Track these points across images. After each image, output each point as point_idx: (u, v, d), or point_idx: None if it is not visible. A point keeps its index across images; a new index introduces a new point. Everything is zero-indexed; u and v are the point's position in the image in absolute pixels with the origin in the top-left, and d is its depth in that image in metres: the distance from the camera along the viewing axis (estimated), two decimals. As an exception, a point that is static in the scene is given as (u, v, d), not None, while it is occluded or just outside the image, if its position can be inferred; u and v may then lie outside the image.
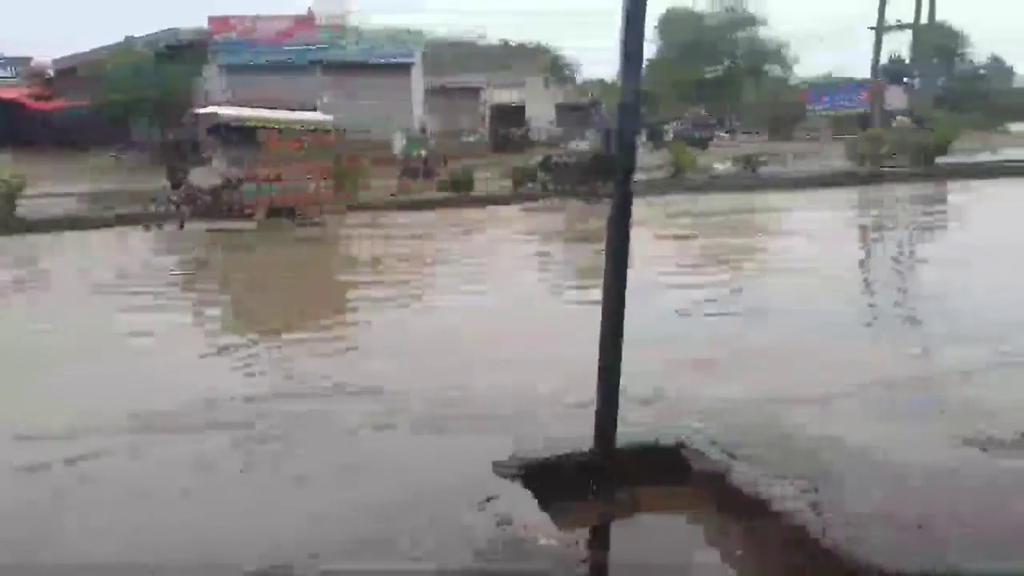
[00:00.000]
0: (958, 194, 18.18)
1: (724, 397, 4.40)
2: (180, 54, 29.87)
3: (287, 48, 30.18)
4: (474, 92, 35.61)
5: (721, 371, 5.08)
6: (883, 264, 10.44)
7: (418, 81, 32.40)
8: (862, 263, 10.40)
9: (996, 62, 70.58)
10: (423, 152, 22.01)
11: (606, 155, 17.54)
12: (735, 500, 3.23)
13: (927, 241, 12.30)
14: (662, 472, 3.53)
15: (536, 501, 3.17)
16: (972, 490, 3.17)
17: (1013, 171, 20.14)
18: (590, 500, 3.39)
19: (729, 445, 3.60)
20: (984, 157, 23.27)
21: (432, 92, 32.70)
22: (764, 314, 6.86)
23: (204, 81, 29.34)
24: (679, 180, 18.99)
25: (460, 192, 18.57)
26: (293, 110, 17.67)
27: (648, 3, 1.88)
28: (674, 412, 4.12)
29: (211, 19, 30.19)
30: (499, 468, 3.44)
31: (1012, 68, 70.82)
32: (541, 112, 37.94)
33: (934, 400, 4.42)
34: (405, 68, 31.98)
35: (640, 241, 10.88)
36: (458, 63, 36.18)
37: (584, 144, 19.69)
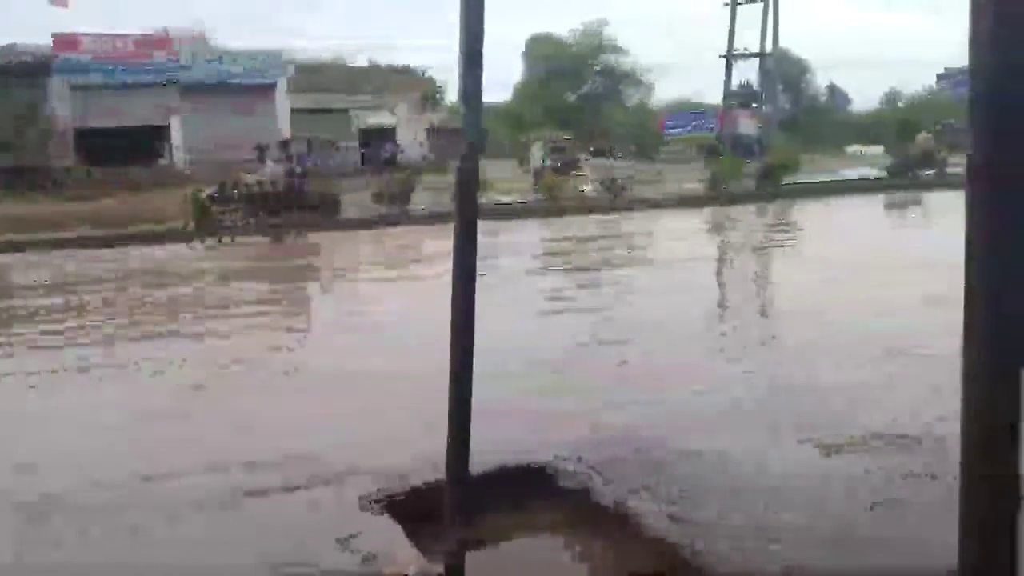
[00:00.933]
0: (797, 212, 19.49)
1: (585, 414, 4.53)
2: (21, 71, 27.83)
3: (143, 66, 28.76)
4: (343, 114, 35.13)
5: (577, 390, 5.20)
6: (731, 280, 11.01)
7: (283, 102, 31.66)
8: (718, 281, 10.93)
9: (833, 90, 76.71)
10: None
11: (296, 183, 16.85)
12: (598, 517, 3.31)
13: (772, 256, 13.09)
14: (529, 493, 3.57)
15: (403, 532, 3.13)
16: (811, 492, 3.39)
17: (848, 189, 22.34)
18: (452, 527, 3.38)
19: (593, 462, 3.70)
20: (824, 177, 25.06)
21: (299, 113, 32.00)
22: (623, 333, 7.11)
23: (49, 99, 27.48)
24: (547, 204, 19.36)
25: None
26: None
27: (484, 45, 1.92)
28: (538, 432, 4.19)
29: (55, 36, 28.32)
30: (365, 503, 3.38)
31: (848, 95, 77.16)
32: (411, 135, 37.88)
33: (779, 406, 4.70)
34: (269, 88, 31.19)
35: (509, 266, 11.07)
36: (327, 85, 35.60)
37: (270, 169, 18.17)
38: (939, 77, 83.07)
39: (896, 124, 47.97)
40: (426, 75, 46.40)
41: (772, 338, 6.98)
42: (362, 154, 34.60)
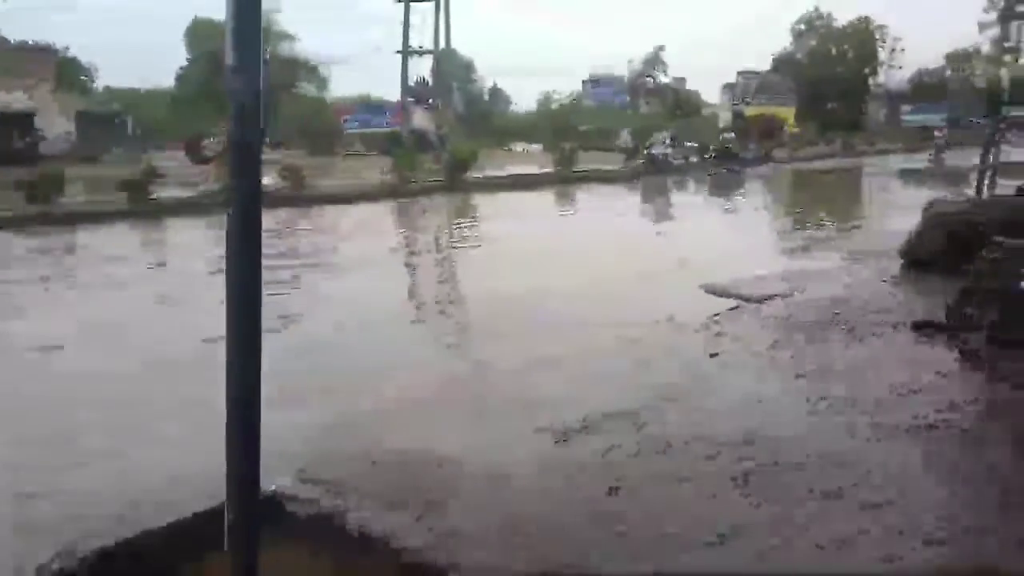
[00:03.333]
0: (481, 203, 20.44)
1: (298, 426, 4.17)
2: None
3: None
4: (-41, 94, 29.57)
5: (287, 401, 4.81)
6: (427, 272, 11.12)
7: None
8: (412, 275, 10.95)
9: (497, 90, 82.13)
10: None
11: None
12: (346, 542, 3.00)
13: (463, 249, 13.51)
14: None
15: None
16: (554, 482, 3.41)
17: (522, 184, 23.91)
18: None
19: (328, 481, 3.37)
20: (495, 172, 26.56)
21: None
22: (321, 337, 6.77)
23: None
24: (218, 196, 17.93)
25: None
26: None
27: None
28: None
29: None
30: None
31: (510, 97, 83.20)
32: (55, 122, 33.08)
33: (505, 395, 4.73)
34: None
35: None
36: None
37: None
38: (584, 83, 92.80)
39: (550, 125, 52.56)
40: (68, 54, 41.04)
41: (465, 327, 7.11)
42: (-9, 141, 29.40)
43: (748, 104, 59.06)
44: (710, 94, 79.59)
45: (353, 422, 4.36)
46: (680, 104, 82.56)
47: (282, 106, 46.26)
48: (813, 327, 6.06)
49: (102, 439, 4.21)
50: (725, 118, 56.00)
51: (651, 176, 26.54)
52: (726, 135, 33.12)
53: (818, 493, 3.25)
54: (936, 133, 52.20)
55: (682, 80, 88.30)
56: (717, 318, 6.48)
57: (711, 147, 31.33)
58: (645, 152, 29.11)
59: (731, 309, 6.84)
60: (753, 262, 9.59)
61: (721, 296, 7.49)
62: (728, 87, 70.57)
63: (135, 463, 3.84)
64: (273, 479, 3.27)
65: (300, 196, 18.49)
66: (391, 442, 3.92)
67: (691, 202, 21.00)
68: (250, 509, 1.60)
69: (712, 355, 5.36)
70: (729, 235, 14.06)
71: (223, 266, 1.58)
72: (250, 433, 1.57)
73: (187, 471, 3.46)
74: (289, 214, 16.04)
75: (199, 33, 54.62)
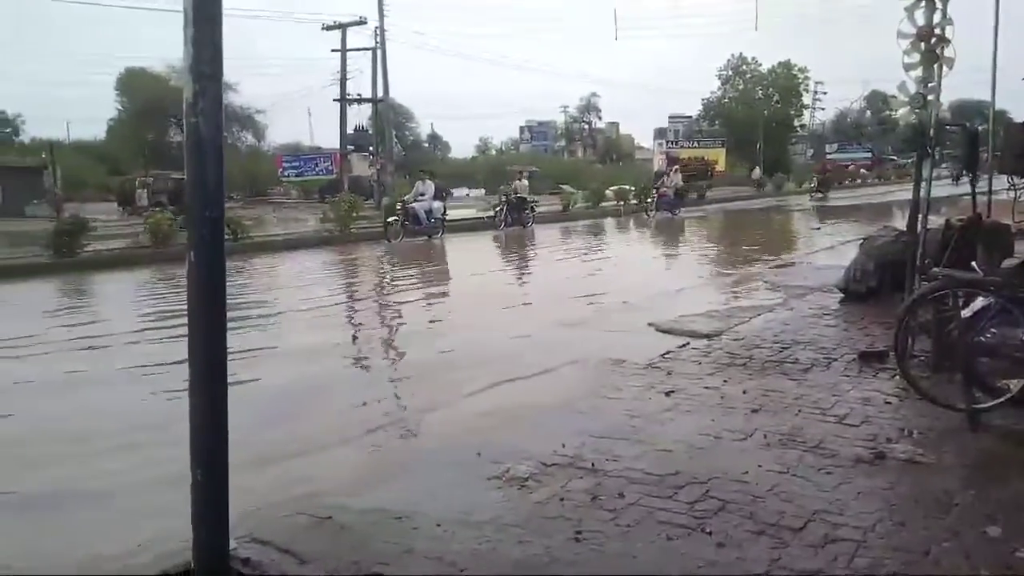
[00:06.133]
0: (427, 249, 20.35)
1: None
2: None
3: None
4: None
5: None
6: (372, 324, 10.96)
7: None
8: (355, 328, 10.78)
9: (435, 137, 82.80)
10: None
11: None
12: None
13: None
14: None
15: None
16: (512, 533, 3.31)
17: (469, 226, 23.83)
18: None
19: (279, 544, 3.21)
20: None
21: None
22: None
23: None
24: (161, 250, 17.47)
25: None
26: None
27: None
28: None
29: None
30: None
31: (448, 143, 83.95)
32: (-26, 176, 32.01)
33: (449, 442, 4.61)
34: None
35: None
36: None
37: None
38: (521, 129, 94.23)
39: (489, 169, 53.27)
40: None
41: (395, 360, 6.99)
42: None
43: (680, 147, 60.75)
44: (644, 138, 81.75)
45: (297, 475, 4.21)
46: (612, 148, 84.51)
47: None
48: (762, 363, 6.14)
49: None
50: (659, 161, 57.38)
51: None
52: (518, 182, 24.94)
53: (779, 528, 3.23)
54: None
55: (615, 125, 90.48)
56: (668, 355, 6.51)
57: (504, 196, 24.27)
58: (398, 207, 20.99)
59: (680, 346, 6.88)
60: (698, 299, 9.72)
61: (669, 334, 7.54)
62: (660, 131, 72.57)
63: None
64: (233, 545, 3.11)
65: (235, 248, 18.14)
66: (362, 498, 3.75)
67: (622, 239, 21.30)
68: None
69: (667, 393, 5.35)
70: (670, 273, 14.27)
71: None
72: (217, 494, 1.47)
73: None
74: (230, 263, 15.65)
75: (131, 83, 53.88)
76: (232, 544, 3.17)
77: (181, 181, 24.50)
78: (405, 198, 21.18)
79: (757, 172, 39.26)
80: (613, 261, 16.18)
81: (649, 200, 28.21)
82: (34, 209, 29.84)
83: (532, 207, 24.64)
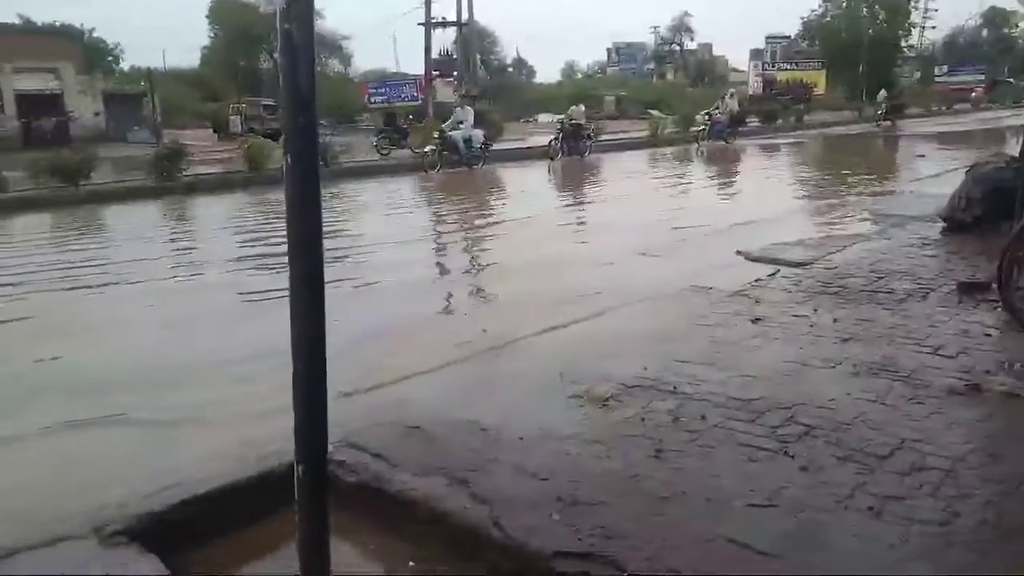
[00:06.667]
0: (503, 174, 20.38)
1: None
2: None
3: None
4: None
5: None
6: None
7: None
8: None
9: (521, 61, 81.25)
10: None
11: None
12: (390, 508, 3.02)
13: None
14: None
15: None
16: (597, 450, 3.39)
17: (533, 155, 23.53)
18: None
19: (371, 448, 3.38)
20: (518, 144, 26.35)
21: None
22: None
23: None
24: (256, 175, 18.04)
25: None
26: None
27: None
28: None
29: None
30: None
31: (533, 67, 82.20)
32: (82, 103, 33.40)
33: (542, 364, 4.69)
34: None
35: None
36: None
37: None
38: (608, 52, 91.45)
39: (575, 94, 52.06)
40: (93, 34, 41.30)
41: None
42: (25, 124, 29.81)
43: (778, 69, 57.97)
44: (739, 60, 78.21)
45: (390, 389, 4.38)
46: (705, 71, 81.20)
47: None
48: (856, 292, 5.97)
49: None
50: (755, 83, 54.98)
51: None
52: (573, 108, 24.39)
53: (865, 454, 3.20)
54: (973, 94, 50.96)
55: (708, 46, 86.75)
56: (758, 283, 6.40)
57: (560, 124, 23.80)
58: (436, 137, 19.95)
59: (770, 275, 6.74)
60: (790, 228, 9.45)
61: (758, 262, 7.39)
62: (757, 52, 69.35)
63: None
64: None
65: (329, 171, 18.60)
66: (455, 412, 3.89)
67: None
68: (320, 463, 1.61)
69: (754, 320, 5.28)
70: (759, 202, 13.86)
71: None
72: (317, 387, 1.57)
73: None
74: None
75: (221, 11, 54.70)
76: (329, 448, 3.37)
77: (272, 108, 24.94)
78: (444, 126, 20.00)
79: (883, 94, 36.32)
80: (691, 190, 15.81)
81: (702, 128, 25.98)
82: (136, 135, 31.15)
83: (590, 135, 23.47)
